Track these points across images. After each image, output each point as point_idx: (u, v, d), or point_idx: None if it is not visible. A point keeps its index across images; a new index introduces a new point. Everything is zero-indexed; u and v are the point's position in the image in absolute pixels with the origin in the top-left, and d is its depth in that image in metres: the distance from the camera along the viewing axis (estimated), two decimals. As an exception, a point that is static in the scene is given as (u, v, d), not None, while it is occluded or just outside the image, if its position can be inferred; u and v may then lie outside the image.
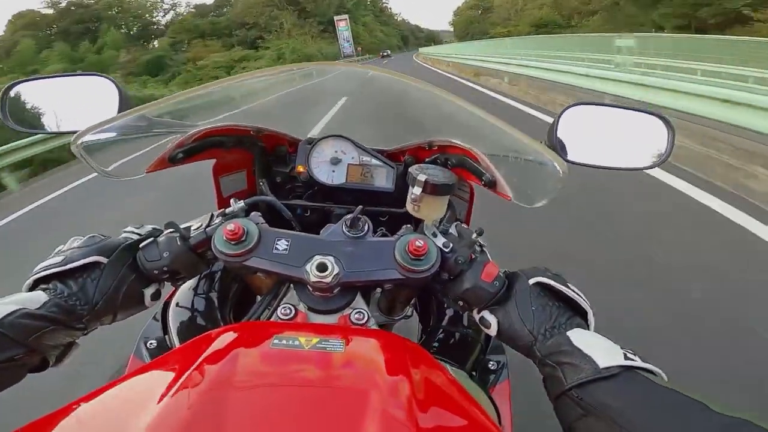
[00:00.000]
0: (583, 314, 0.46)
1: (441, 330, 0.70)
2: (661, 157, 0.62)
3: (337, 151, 0.75)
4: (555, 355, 0.42)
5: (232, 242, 0.47)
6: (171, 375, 0.34)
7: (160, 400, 0.31)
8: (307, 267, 0.47)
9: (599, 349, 0.39)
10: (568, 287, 0.47)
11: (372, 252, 0.50)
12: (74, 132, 0.52)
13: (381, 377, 0.34)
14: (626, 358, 0.38)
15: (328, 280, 0.47)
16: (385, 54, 62.53)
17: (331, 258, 0.48)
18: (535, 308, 0.46)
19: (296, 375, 0.35)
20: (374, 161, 0.75)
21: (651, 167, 0.63)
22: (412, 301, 0.72)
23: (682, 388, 0.34)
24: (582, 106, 0.64)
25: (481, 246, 0.53)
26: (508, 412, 0.62)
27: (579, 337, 0.41)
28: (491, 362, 0.67)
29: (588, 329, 0.44)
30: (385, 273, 0.49)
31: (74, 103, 0.65)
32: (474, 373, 0.66)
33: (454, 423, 0.35)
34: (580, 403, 0.37)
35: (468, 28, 77.59)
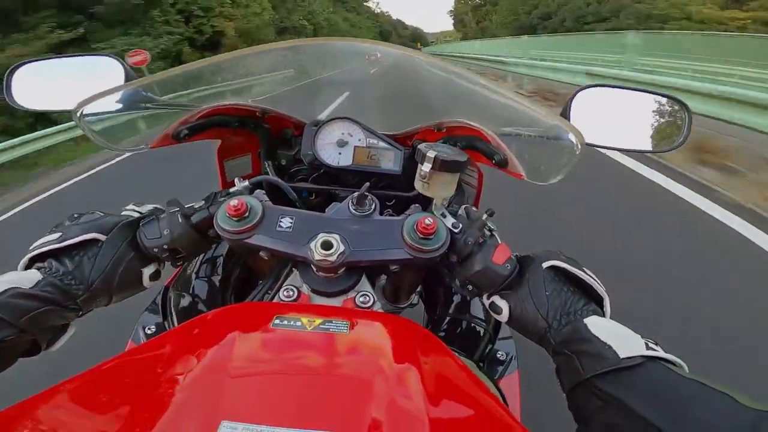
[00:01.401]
0: (598, 301, 0.44)
1: (448, 319, 0.68)
2: (677, 140, 0.60)
3: (344, 134, 0.74)
4: (571, 343, 0.40)
5: (235, 218, 0.46)
6: (166, 356, 0.33)
7: (156, 380, 0.30)
8: (312, 245, 0.46)
9: (619, 338, 0.37)
10: (583, 271, 0.45)
11: (379, 230, 0.49)
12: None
13: (386, 361, 0.33)
14: (648, 347, 0.36)
15: (333, 258, 0.45)
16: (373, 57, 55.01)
17: (336, 236, 0.47)
18: (549, 293, 0.44)
19: (297, 356, 0.33)
20: (381, 144, 0.74)
21: (666, 151, 0.61)
22: (418, 289, 0.71)
23: (706, 379, 0.32)
24: (595, 88, 0.62)
25: (490, 229, 0.52)
26: (517, 404, 0.61)
27: (596, 324, 0.40)
28: (500, 352, 0.65)
29: (604, 316, 0.42)
30: (393, 252, 0.47)
31: (79, 82, 0.64)
32: (482, 364, 0.64)
33: (464, 410, 0.34)
34: (599, 394, 0.35)
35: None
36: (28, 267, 0.43)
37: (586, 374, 0.36)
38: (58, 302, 0.41)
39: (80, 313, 0.44)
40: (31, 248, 0.44)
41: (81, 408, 0.29)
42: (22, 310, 0.38)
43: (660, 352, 0.36)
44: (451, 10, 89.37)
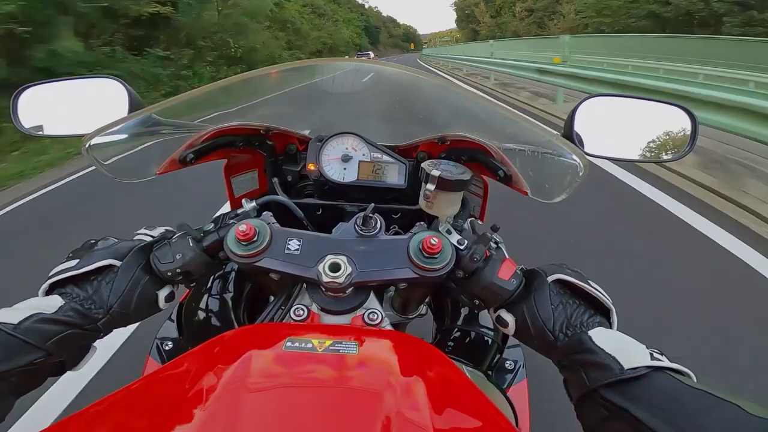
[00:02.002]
0: (605, 313, 0.45)
1: (456, 329, 0.69)
2: (684, 149, 0.60)
3: (348, 148, 0.74)
4: (577, 354, 0.40)
5: (244, 243, 0.47)
6: (188, 377, 0.34)
7: (178, 402, 0.31)
8: (320, 267, 0.47)
9: (624, 348, 0.38)
10: (588, 284, 0.45)
11: (385, 251, 0.49)
12: (83, 135, 0.52)
13: (395, 379, 0.33)
14: (653, 358, 0.36)
15: (341, 280, 0.46)
16: (362, 55, 41.44)
17: (343, 257, 0.47)
18: (555, 306, 0.44)
19: (309, 378, 0.34)
20: (385, 157, 0.74)
21: (672, 160, 0.60)
22: (426, 300, 0.71)
23: (713, 388, 0.32)
24: (599, 97, 0.62)
25: (496, 242, 0.52)
26: (526, 412, 0.61)
27: (602, 336, 0.40)
28: (508, 362, 0.65)
29: (611, 328, 0.43)
30: (399, 272, 0.48)
31: (84, 105, 0.65)
32: (490, 373, 0.64)
33: (470, 425, 0.34)
34: (604, 405, 0.36)
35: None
36: (48, 292, 0.45)
37: (592, 385, 0.37)
38: (80, 326, 0.42)
39: (101, 334, 0.46)
40: (50, 274, 0.45)
41: (113, 429, 0.31)
42: (48, 334, 0.39)
43: (665, 362, 0.36)
44: (454, 2, 76.66)
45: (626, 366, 0.36)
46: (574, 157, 0.47)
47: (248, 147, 0.74)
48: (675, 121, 0.61)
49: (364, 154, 0.74)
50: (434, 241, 0.47)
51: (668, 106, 0.62)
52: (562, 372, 0.43)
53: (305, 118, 0.90)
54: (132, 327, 0.48)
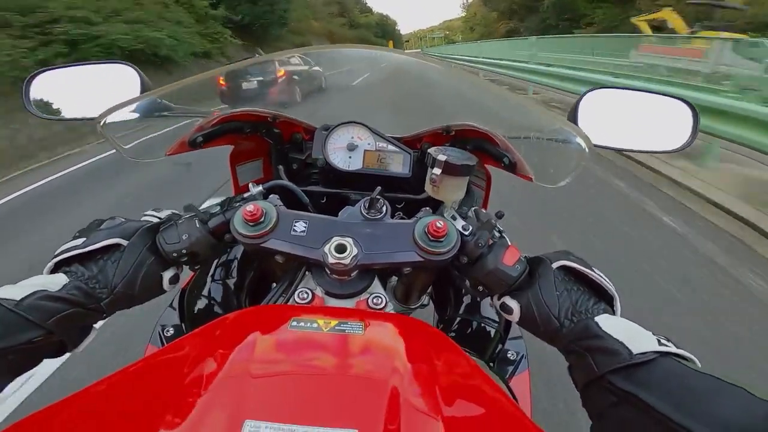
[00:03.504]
0: (609, 300, 0.45)
1: (458, 319, 0.69)
2: (686, 141, 0.61)
3: (354, 137, 0.75)
4: (583, 340, 0.40)
5: (251, 223, 0.47)
6: (189, 358, 0.34)
7: (180, 382, 0.31)
8: (326, 248, 0.47)
9: (631, 334, 0.38)
10: (593, 271, 0.45)
11: (391, 233, 0.50)
12: (95, 119, 0.53)
13: (401, 361, 0.33)
14: (660, 343, 0.36)
15: (347, 261, 0.46)
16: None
17: (349, 239, 0.48)
18: (560, 293, 0.44)
19: (315, 357, 0.34)
20: (390, 147, 0.75)
21: (674, 151, 0.61)
22: (428, 290, 0.72)
23: (719, 374, 0.32)
24: (602, 90, 0.62)
25: (500, 230, 0.52)
26: (528, 402, 0.61)
27: (608, 322, 0.40)
28: (510, 352, 0.66)
29: (615, 315, 0.43)
30: (404, 255, 0.48)
31: (96, 90, 0.66)
32: (492, 364, 0.65)
33: (477, 408, 0.34)
34: (612, 390, 0.36)
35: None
36: (53, 271, 0.44)
37: (600, 371, 0.37)
38: (83, 305, 0.42)
39: (104, 315, 0.45)
40: (56, 253, 0.45)
41: (108, 411, 0.30)
42: (50, 311, 0.39)
43: (672, 348, 0.36)
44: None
45: (635, 351, 0.36)
46: (578, 140, 0.48)
47: (255, 134, 0.75)
48: (676, 113, 0.62)
49: (369, 144, 0.75)
50: (440, 224, 0.47)
51: (670, 99, 0.63)
52: (567, 359, 0.43)
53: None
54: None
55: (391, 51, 0.65)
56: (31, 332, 0.37)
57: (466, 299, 0.71)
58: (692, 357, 0.36)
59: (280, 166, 0.75)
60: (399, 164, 0.75)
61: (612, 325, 0.40)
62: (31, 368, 0.39)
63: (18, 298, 0.37)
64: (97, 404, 0.31)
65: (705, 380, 0.32)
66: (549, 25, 24.59)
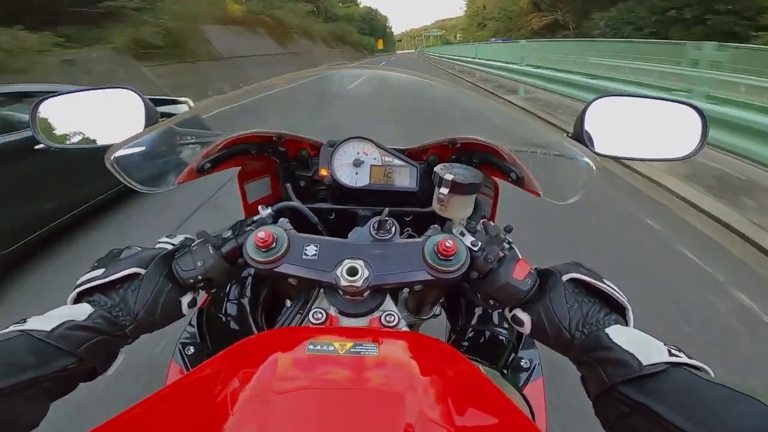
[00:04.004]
0: (620, 311, 0.45)
1: (470, 329, 0.69)
2: (695, 147, 0.60)
3: (359, 153, 0.75)
4: (594, 352, 0.41)
5: (263, 249, 0.48)
6: (217, 382, 0.35)
7: (209, 406, 0.32)
8: (338, 271, 0.48)
9: (641, 345, 0.38)
10: (603, 283, 0.45)
11: (401, 254, 0.50)
12: (103, 146, 0.54)
13: (416, 379, 0.34)
14: (671, 354, 0.36)
15: (359, 284, 0.47)
16: None
17: (360, 261, 0.48)
18: (570, 305, 0.45)
19: (333, 380, 0.35)
20: (396, 161, 0.75)
21: (683, 158, 0.61)
22: (440, 300, 0.72)
23: (731, 383, 0.32)
24: (608, 98, 0.62)
25: (509, 243, 0.52)
26: (542, 410, 0.62)
27: (619, 333, 0.40)
28: (523, 360, 0.66)
29: (627, 326, 0.43)
30: (415, 275, 0.49)
31: (101, 115, 0.66)
32: (506, 372, 0.65)
33: (491, 423, 0.35)
34: (623, 401, 0.36)
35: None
36: (76, 301, 0.46)
37: (611, 382, 0.37)
38: (108, 332, 0.44)
39: (129, 340, 0.47)
40: (77, 283, 0.47)
41: None
42: (79, 340, 0.41)
43: (684, 358, 0.36)
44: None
45: (645, 362, 0.36)
46: (586, 158, 0.48)
47: (261, 154, 0.75)
48: (684, 119, 0.61)
49: (375, 158, 0.75)
50: (449, 243, 0.47)
51: (678, 105, 0.62)
52: (579, 369, 0.44)
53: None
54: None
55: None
56: (63, 360, 0.39)
57: (478, 309, 0.71)
58: (705, 367, 0.36)
59: (288, 185, 0.76)
60: (405, 178, 0.75)
61: (622, 336, 0.40)
62: (67, 393, 0.41)
63: (48, 329, 0.39)
64: (136, 429, 0.32)
65: (718, 390, 0.33)
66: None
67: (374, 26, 61.82)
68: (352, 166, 0.75)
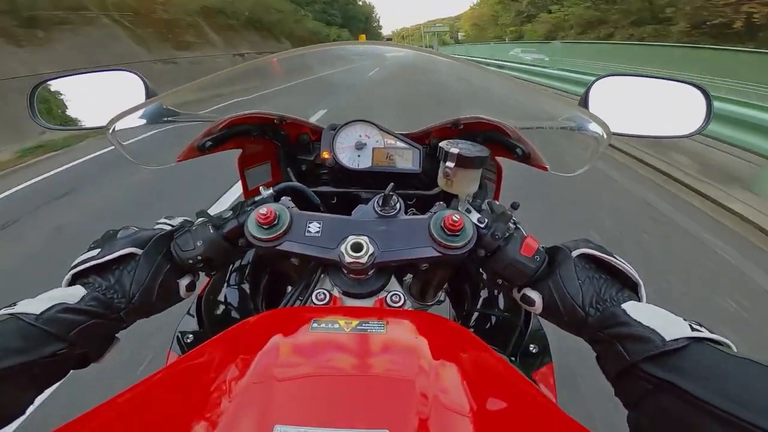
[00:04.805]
0: (632, 287, 0.44)
1: (476, 314, 0.69)
2: (699, 126, 0.60)
3: (361, 136, 0.75)
4: (611, 328, 0.39)
5: (265, 226, 0.47)
6: (213, 364, 0.34)
7: (207, 389, 0.30)
8: (342, 248, 0.47)
9: (662, 320, 0.37)
10: (614, 257, 0.44)
11: (406, 230, 0.49)
12: (101, 127, 0.53)
13: (426, 358, 0.33)
14: (692, 329, 0.35)
15: (364, 260, 0.46)
16: None
17: (365, 237, 0.47)
18: (582, 281, 0.43)
19: (339, 358, 0.34)
20: (399, 143, 0.75)
21: (687, 136, 0.61)
22: (444, 286, 0.71)
23: (755, 357, 0.32)
24: (613, 77, 0.62)
25: (515, 222, 0.52)
26: (552, 396, 0.61)
27: (636, 309, 0.39)
28: (531, 345, 0.65)
29: (641, 302, 0.42)
30: (421, 251, 0.48)
31: (101, 98, 0.65)
32: (514, 358, 0.64)
33: (507, 402, 0.33)
34: (648, 378, 0.35)
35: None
36: (71, 283, 0.44)
37: (632, 359, 0.36)
38: (102, 315, 0.42)
39: (124, 325, 0.45)
40: (72, 265, 0.45)
41: (138, 420, 0.30)
42: (71, 324, 0.39)
43: (706, 333, 0.35)
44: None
45: (667, 338, 0.35)
46: (595, 127, 0.47)
47: (262, 137, 0.75)
48: (688, 98, 0.61)
49: (377, 141, 0.75)
50: (456, 217, 0.47)
51: (682, 85, 0.62)
52: (595, 349, 0.42)
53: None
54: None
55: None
56: (54, 345, 0.37)
57: (483, 294, 0.70)
58: (727, 341, 0.35)
59: (289, 169, 0.75)
60: (408, 160, 0.74)
61: (640, 311, 0.39)
62: (58, 381, 0.39)
63: (38, 312, 0.37)
64: (127, 414, 0.31)
65: (743, 365, 0.32)
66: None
67: (350, 17, 44.15)
68: (354, 149, 0.74)
